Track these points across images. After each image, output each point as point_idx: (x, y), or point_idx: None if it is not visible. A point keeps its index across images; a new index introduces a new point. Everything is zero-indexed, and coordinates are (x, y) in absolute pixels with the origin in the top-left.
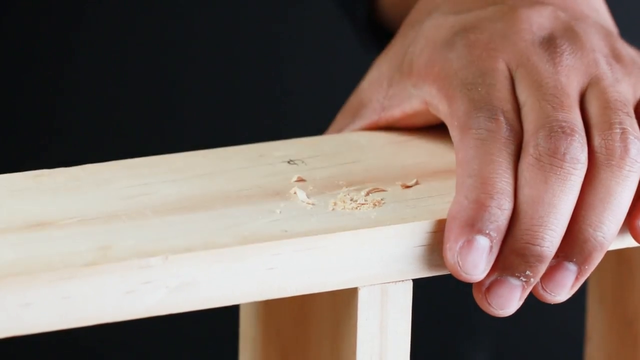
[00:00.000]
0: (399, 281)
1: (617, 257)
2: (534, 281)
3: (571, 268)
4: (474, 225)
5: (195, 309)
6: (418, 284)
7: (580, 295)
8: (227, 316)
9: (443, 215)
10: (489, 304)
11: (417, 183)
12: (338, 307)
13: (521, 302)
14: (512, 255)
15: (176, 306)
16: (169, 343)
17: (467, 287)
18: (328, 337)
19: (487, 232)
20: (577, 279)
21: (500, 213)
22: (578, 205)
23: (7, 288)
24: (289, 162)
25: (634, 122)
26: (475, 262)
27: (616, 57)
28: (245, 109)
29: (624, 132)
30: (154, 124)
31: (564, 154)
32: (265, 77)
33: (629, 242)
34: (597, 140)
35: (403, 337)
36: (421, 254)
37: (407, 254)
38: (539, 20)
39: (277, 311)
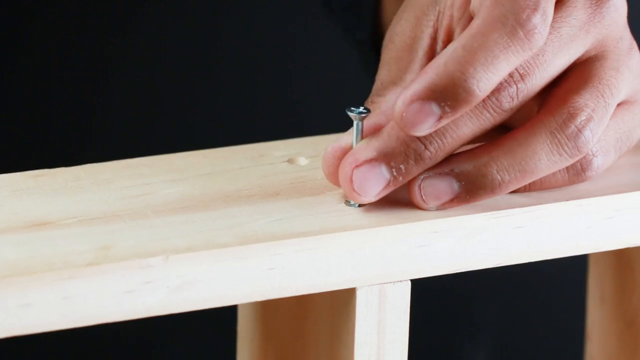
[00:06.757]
0: (397, 281)
1: (617, 258)
2: (401, 181)
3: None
4: (436, 97)
5: (196, 309)
6: (418, 284)
7: (580, 296)
8: (225, 316)
9: (443, 216)
10: (352, 181)
11: None
12: (336, 307)
13: (380, 196)
14: (397, 141)
15: (177, 306)
16: (167, 342)
17: (467, 287)
18: (326, 337)
19: (443, 106)
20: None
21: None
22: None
23: (7, 288)
24: (289, 161)
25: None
26: (422, 124)
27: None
28: (246, 108)
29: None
30: (155, 123)
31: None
32: (266, 77)
33: (628, 241)
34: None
35: (401, 337)
36: (420, 254)
37: (407, 255)
38: None
39: (275, 311)
